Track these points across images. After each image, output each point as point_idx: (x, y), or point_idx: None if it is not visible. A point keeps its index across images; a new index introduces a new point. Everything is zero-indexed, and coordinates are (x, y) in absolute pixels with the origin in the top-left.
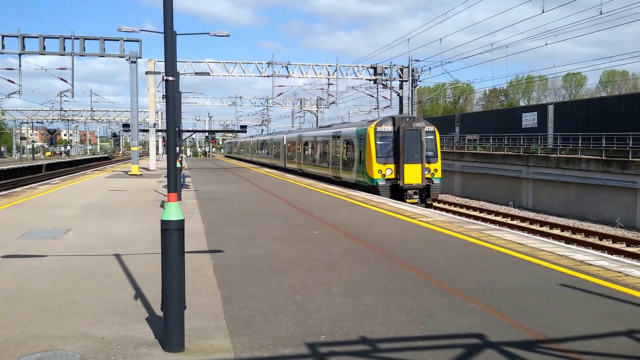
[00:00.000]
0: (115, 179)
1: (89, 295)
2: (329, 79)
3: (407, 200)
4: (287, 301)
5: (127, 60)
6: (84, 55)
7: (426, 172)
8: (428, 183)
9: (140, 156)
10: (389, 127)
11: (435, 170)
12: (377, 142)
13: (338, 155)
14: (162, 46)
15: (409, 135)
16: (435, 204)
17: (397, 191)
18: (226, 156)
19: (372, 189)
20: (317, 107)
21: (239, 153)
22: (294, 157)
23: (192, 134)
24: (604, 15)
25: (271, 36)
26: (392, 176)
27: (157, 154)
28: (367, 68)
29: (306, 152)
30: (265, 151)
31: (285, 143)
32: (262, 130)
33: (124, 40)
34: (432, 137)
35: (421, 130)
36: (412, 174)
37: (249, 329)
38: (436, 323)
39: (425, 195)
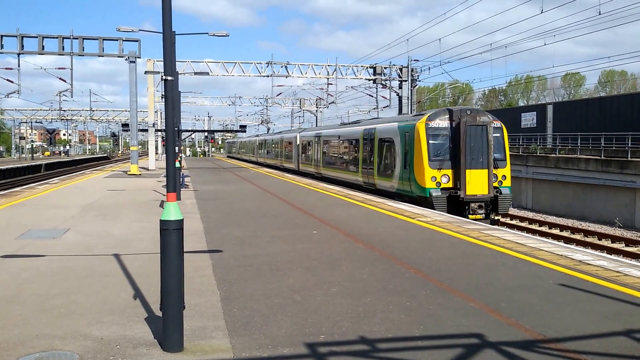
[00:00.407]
0: (115, 178)
1: (88, 295)
2: (328, 78)
3: (470, 215)
4: (286, 301)
5: (126, 60)
6: (83, 55)
7: (493, 180)
8: (496, 194)
9: (139, 156)
10: (444, 122)
11: (504, 177)
12: (430, 142)
13: (372, 157)
14: (161, 46)
15: (472, 133)
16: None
17: (457, 204)
18: (228, 156)
19: (423, 200)
20: (317, 107)
21: (242, 153)
22: (311, 158)
23: (191, 134)
24: (603, 16)
25: (270, 36)
26: (450, 185)
27: (157, 153)
28: (367, 68)
29: (327, 153)
30: (274, 151)
31: (298, 142)
32: (268, 129)
33: (123, 40)
34: (499, 134)
35: (487, 125)
36: (477, 182)
37: (248, 328)
38: (435, 323)
39: (490, 208)
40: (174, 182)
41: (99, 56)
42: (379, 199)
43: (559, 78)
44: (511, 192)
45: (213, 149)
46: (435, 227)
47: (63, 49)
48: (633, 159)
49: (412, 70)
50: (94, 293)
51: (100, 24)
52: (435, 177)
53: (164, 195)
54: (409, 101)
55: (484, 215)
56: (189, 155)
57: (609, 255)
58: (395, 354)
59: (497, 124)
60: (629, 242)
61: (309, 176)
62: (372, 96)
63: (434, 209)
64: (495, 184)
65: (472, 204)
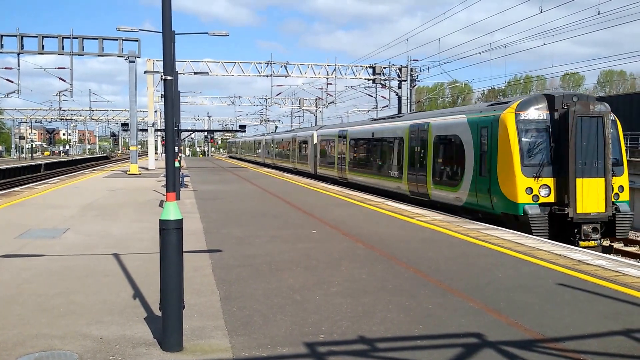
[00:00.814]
0: (114, 178)
1: (88, 295)
2: (327, 78)
3: (582, 242)
4: (285, 301)
5: (125, 59)
6: (82, 55)
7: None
8: (613, 212)
9: (139, 156)
10: (541, 113)
11: (621, 188)
12: (523, 139)
13: (424, 159)
14: (161, 46)
15: (584, 127)
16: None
17: (563, 225)
18: (230, 157)
19: (511, 220)
20: (316, 107)
21: (244, 153)
22: (333, 161)
23: (190, 134)
24: (602, 15)
25: (270, 36)
26: (551, 199)
27: (156, 153)
28: (366, 68)
29: (355, 155)
30: (284, 152)
31: (316, 141)
32: (276, 128)
33: (123, 40)
34: (614, 129)
35: (604, 117)
36: (591, 196)
37: (247, 328)
38: (435, 322)
39: (604, 231)
40: (173, 182)
41: (98, 56)
42: (379, 198)
43: (558, 78)
44: (631, 208)
45: (213, 148)
46: (435, 227)
47: (63, 49)
48: (632, 159)
49: (411, 70)
50: (93, 293)
51: (100, 23)
52: (532, 189)
53: (164, 195)
54: (408, 101)
55: (599, 240)
56: (189, 155)
57: (608, 255)
58: (394, 354)
59: (612, 116)
60: (627, 241)
61: (329, 181)
62: (372, 96)
63: (532, 233)
64: (612, 198)
65: (584, 226)
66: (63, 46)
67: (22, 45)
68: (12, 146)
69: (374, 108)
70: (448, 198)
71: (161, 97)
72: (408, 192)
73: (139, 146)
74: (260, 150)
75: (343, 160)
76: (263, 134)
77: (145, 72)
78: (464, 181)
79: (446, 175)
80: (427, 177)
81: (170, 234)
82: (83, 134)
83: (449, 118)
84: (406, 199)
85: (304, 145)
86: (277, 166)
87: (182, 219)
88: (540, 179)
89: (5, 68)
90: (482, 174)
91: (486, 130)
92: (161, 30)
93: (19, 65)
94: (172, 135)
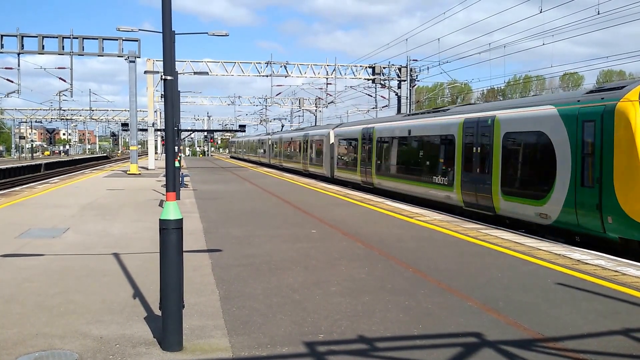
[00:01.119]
0: (114, 178)
1: (88, 295)
2: (327, 78)
3: None
4: (285, 300)
5: (125, 59)
6: (82, 55)
7: None
8: None
9: (139, 155)
10: None
11: None
12: None
13: (487, 163)
14: (161, 46)
15: None
16: None
17: None
18: (231, 157)
19: (635, 247)
20: (316, 107)
21: (246, 153)
22: (355, 163)
23: (190, 133)
24: (602, 16)
25: (270, 36)
26: None
27: (156, 153)
28: (366, 68)
29: (386, 157)
30: (294, 153)
31: (332, 141)
32: (282, 126)
33: (123, 40)
34: None
35: None
36: None
37: (247, 328)
38: (434, 322)
39: None
40: (173, 182)
41: (98, 56)
42: (378, 198)
43: (557, 78)
44: None
45: (213, 148)
46: (434, 227)
47: (63, 49)
48: None
49: (411, 70)
50: (93, 292)
51: (100, 23)
52: None
53: (164, 194)
54: (408, 101)
55: None
56: (189, 155)
57: (607, 255)
58: (394, 353)
59: None
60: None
61: (350, 186)
62: (371, 96)
63: None
64: None
65: None
66: (63, 46)
67: (22, 45)
68: (13, 146)
69: (373, 108)
70: (527, 214)
71: (161, 97)
72: (462, 202)
73: (139, 146)
74: (265, 150)
75: (368, 163)
76: (269, 133)
77: (145, 72)
78: (555, 192)
79: (524, 184)
80: (493, 185)
81: (170, 234)
82: (83, 134)
83: (526, 110)
84: (456, 211)
85: (317, 146)
86: (285, 168)
87: (182, 218)
88: None
89: (6, 68)
90: (585, 183)
91: (592, 125)
92: (161, 30)
93: (19, 65)
94: (172, 135)
